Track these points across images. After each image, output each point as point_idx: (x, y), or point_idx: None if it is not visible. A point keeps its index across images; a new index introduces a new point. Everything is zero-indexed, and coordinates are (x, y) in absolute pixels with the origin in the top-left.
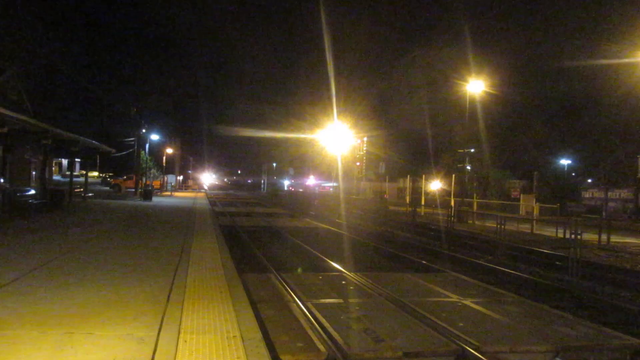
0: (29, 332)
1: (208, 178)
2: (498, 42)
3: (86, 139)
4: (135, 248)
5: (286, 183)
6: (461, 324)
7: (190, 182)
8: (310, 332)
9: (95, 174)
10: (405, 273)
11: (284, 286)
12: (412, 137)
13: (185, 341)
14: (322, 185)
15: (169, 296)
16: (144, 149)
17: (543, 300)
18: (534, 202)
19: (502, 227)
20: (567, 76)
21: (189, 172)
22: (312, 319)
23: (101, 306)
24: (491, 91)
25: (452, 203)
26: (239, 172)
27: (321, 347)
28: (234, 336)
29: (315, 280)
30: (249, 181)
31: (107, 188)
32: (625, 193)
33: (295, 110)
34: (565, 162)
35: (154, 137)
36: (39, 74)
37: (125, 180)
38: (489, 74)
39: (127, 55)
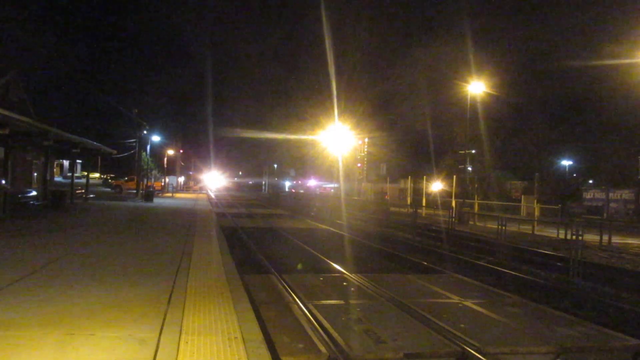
0: (30, 332)
1: (211, 179)
2: (499, 43)
3: (87, 140)
4: (137, 249)
5: (287, 184)
6: (462, 325)
7: (191, 184)
8: (311, 333)
9: (97, 175)
10: (406, 274)
11: (285, 287)
12: (414, 138)
13: (187, 342)
14: (323, 186)
15: (170, 297)
16: (145, 150)
17: (544, 301)
18: (535, 203)
19: (503, 228)
20: (568, 77)
21: (190, 173)
22: (313, 320)
23: (103, 307)
24: (492, 92)
25: (454, 204)
26: (240, 173)
27: (322, 349)
28: (235, 337)
29: (316, 282)
30: (250, 182)
31: (109, 189)
32: (626, 194)
33: (296, 112)
34: (566, 163)
35: (155, 138)
36: (41, 75)
37: (126, 181)
38: (490, 74)
39: (129, 57)
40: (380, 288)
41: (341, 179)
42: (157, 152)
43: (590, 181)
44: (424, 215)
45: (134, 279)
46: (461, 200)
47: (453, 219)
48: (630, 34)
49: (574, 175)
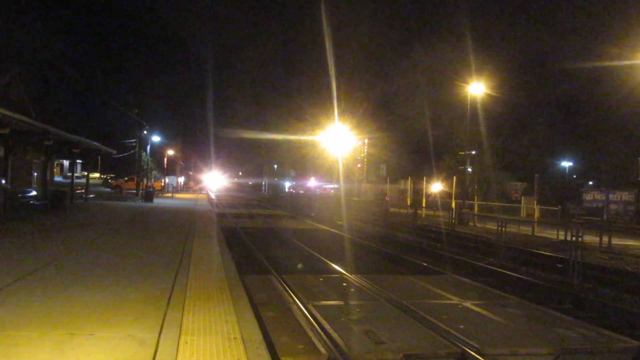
0: (30, 332)
1: (211, 179)
2: (500, 44)
3: (88, 140)
4: (137, 249)
5: (287, 185)
6: (462, 326)
7: (191, 184)
8: (311, 333)
9: (97, 175)
10: (406, 275)
11: (284, 288)
12: (414, 138)
13: (186, 342)
14: (323, 186)
15: (169, 297)
16: (145, 151)
17: (544, 302)
18: (535, 204)
19: (503, 229)
20: (568, 78)
21: (190, 173)
22: (313, 321)
23: (102, 307)
24: (492, 93)
25: (453, 205)
26: (240, 173)
27: (322, 349)
28: (235, 338)
29: (316, 282)
30: (250, 183)
31: (109, 189)
32: (626, 195)
33: (296, 112)
34: (566, 164)
35: (155, 138)
36: (41, 75)
37: (126, 181)
38: (491, 75)
39: (129, 57)
40: (380, 289)
41: (341, 179)
42: (157, 152)
43: (590, 182)
44: (423, 216)
45: (134, 279)
46: (461, 201)
47: (453, 220)
48: (631, 35)
49: (574, 176)
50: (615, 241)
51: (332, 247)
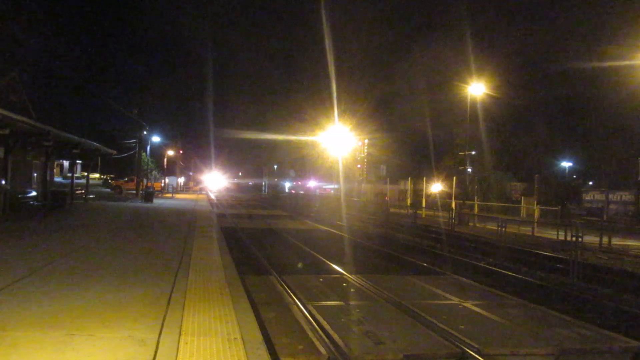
0: (30, 333)
1: (211, 180)
2: (500, 45)
3: (87, 141)
4: (136, 250)
5: (287, 185)
6: (462, 327)
7: (191, 184)
8: (311, 334)
9: (97, 175)
10: (406, 275)
11: (284, 288)
12: (414, 139)
13: (186, 343)
14: (323, 187)
15: (169, 298)
16: (145, 151)
17: (544, 302)
18: (535, 204)
19: (503, 229)
20: (568, 78)
21: (190, 173)
22: (313, 321)
23: (102, 308)
24: (492, 93)
25: (453, 205)
26: (240, 174)
27: (322, 350)
28: (235, 338)
29: (316, 283)
30: (250, 183)
31: (108, 190)
32: (626, 195)
33: (296, 113)
34: (566, 164)
35: (155, 139)
36: (41, 75)
37: (126, 182)
38: (491, 76)
39: (129, 57)
40: (379, 289)
41: (341, 179)
42: (157, 153)
43: (590, 183)
44: (423, 216)
45: (134, 279)
46: (461, 201)
47: (453, 220)
48: (631, 35)
49: (574, 176)
50: (615, 241)
51: (332, 247)
